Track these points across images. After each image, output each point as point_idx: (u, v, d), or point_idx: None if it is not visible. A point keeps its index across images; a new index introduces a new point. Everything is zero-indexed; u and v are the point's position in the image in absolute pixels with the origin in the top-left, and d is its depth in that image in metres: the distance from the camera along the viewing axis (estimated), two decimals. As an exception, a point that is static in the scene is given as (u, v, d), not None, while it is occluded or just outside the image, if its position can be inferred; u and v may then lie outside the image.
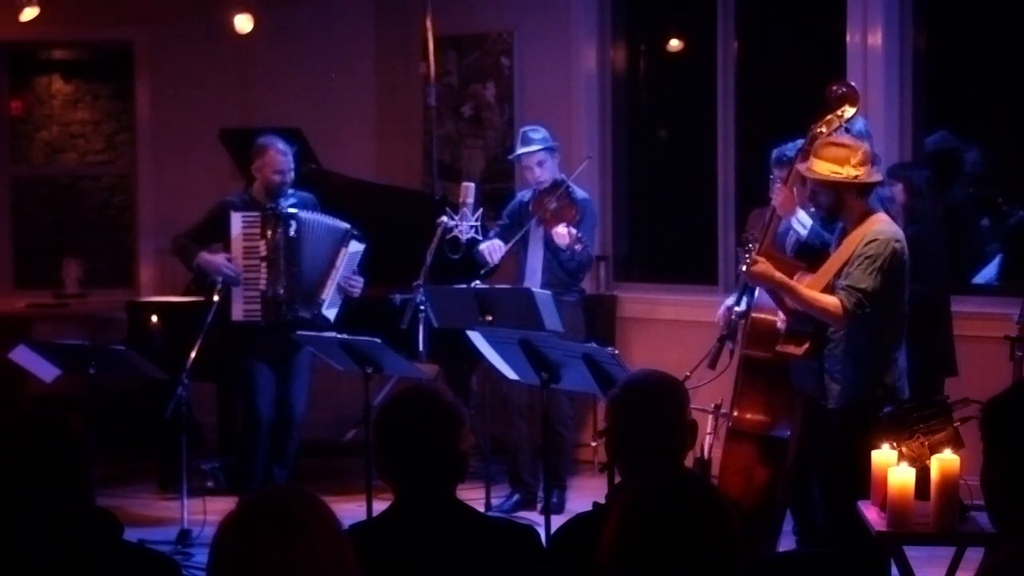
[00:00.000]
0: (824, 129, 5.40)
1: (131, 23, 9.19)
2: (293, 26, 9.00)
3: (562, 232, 6.67)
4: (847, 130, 5.54)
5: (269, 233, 6.68)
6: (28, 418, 2.98)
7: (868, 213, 5.00)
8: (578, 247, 6.67)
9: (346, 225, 6.81)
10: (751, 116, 7.95)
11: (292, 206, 6.77)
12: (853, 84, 5.62)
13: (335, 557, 2.27)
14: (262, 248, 6.68)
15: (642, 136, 8.66)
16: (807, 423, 5.27)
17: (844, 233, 5.04)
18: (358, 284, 6.83)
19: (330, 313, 6.76)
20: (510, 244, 6.90)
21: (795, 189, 5.54)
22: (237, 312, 6.65)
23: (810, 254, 5.46)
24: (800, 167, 5.20)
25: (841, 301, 4.86)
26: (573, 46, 8.32)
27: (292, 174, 6.76)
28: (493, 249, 6.88)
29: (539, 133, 7.02)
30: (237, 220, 6.70)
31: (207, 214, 6.91)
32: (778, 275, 5.00)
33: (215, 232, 6.81)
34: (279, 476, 6.84)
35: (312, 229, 6.76)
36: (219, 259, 6.66)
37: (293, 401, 6.82)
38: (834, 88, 5.53)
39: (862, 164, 4.95)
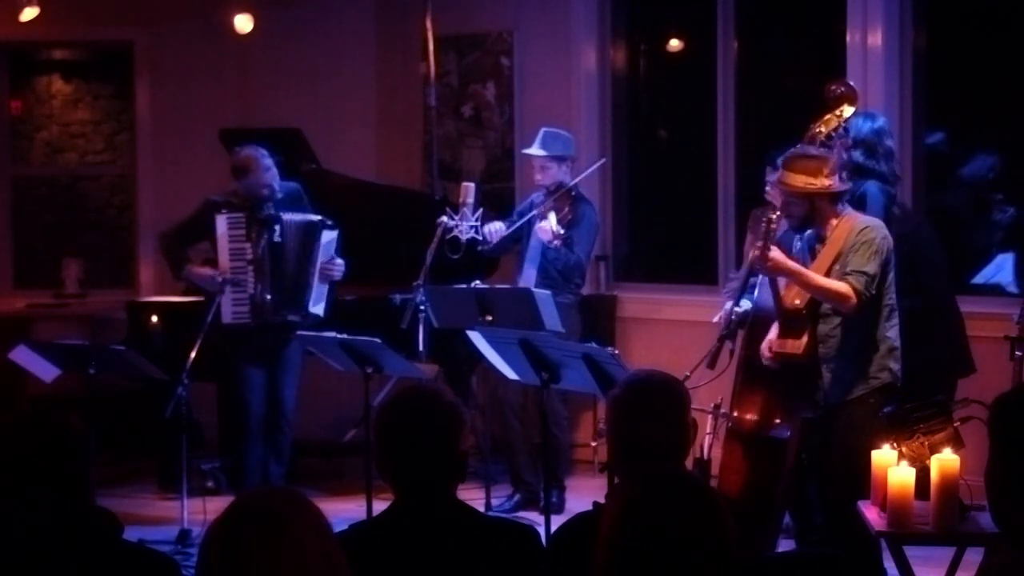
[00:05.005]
0: (823, 129, 5.44)
1: (131, 23, 9.18)
2: (293, 26, 9.00)
3: (545, 226, 6.69)
4: (846, 130, 5.56)
5: (255, 236, 6.69)
6: (28, 418, 2.98)
7: (839, 214, 5.15)
8: (556, 243, 6.66)
9: (315, 217, 6.81)
10: (751, 116, 7.95)
11: (279, 200, 6.77)
12: (852, 83, 5.63)
13: (323, 559, 2.27)
14: (248, 251, 6.70)
15: (642, 136, 8.66)
16: (803, 437, 5.27)
17: (822, 239, 5.16)
18: (337, 267, 6.81)
19: (318, 309, 6.76)
20: (510, 230, 6.93)
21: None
22: (226, 315, 6.67)
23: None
24: (772, 179, 5.28)
25: (851, 284, 4.97)
26: (573, 46, 8.32)
27: (277, 183, 6.76)
28: (492, 231, 6.89)
29: (559, 140, 6.97)
30: (222, 222, 6.70)
31: (193, 212, 6.94)
32: (791, 263, 5.10)
33: (200, 231, 6.83)
34: (275, 472, 6.86)
35: (294, 231, 6.77)
36: (206, 272, 6.71)
37: (283, 398, 6.85)
38: (832, 88, 5.55)
39: (833, 174, 5.11)
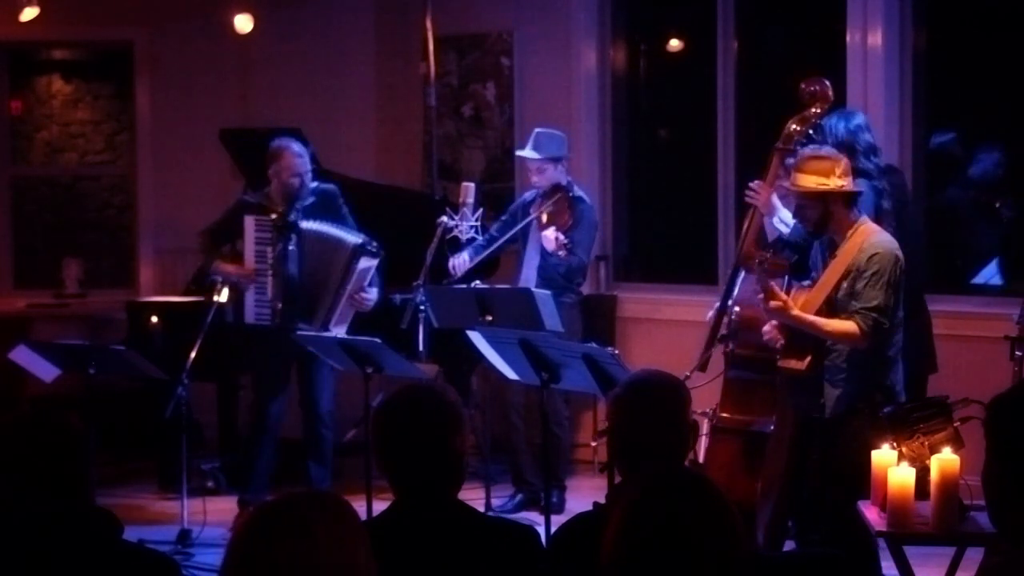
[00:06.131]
0: (797, 127, 5.47)
1: (131, 23, 9.18)
2: (293, 26, 9.00)
3: (549, 236, 6.68)
4: (819, 127, 5.57)
5: (275, 241, 6.71)
6: (28, 418, 2.98)
7: (853, 222, 5.05)
8: (561, 253, 6.65)
9: (356, 240, 6.72)
10: (751, 116, 7.95)
11: (311, 204, 6.77)
12: (826, 81, 5.64)
13: (349, 566, 2.26)
14: (269, 254, 6.72)
15: (642, 136, 8.66)
16: (800, 440, 5.26)
17: (833, 245, 5.08)
18: (370, 298, 6.76)
19: (338, 330, 6.68)
20: (480, 257, 6.91)
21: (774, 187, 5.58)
22: (250, 314, 6.71)
23: (792, 250, 5.50)
24: (785, 184, 5.24)
25: (858, 324, 4.91)
26: (573, 46, 8.32)
27: (309, 175, 6.77)
28: (457, 264, 6.87)
29: (553, 141, 6.95)
30: (250, 224, 6.73)
31: (226, 212, 7.00)
32: (794, 312, 5.00)
33: (232, 230, 6.85)
34: (316, 473, 6.87)
35: (313, 243, 6.72)
36: (231, 268, 6.74)
37: (316, 397, 6.84)
38: (804, 86, 5.57)
39: (846, 174, 5.02)
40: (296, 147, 6.75)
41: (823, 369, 5.05)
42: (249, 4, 8.44)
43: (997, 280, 7.35)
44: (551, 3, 8.37)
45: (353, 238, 6.74)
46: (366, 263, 6.71)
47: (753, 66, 8.04)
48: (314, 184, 6.81)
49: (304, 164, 6.73)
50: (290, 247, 6.68)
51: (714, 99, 7.96)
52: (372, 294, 6.76)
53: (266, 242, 6.71)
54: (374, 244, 6.74)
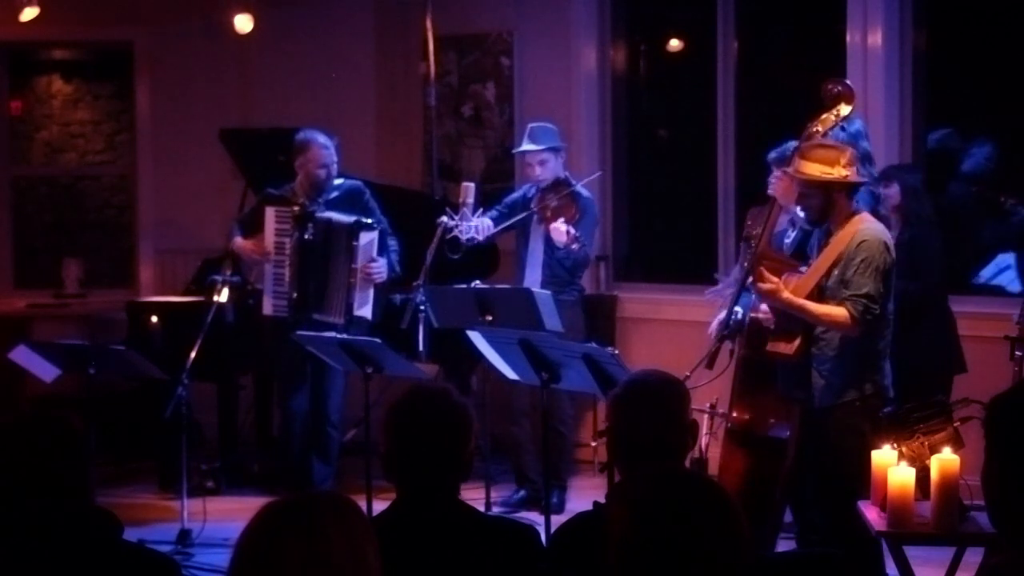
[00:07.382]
0: (820, 128, 5.42)
1: (131, 23, 9.19)
2: (293, 26, 9.00)
3: (560, 229, 6.67)
4: (843, 128, 5.55)
5: (293, 231, 6.75)
6: (28, 418, 2.98)
7: (853, 213, 5.06)
8: (575, 246, 6.66)
9: (349, 220, 6.80)
10: (751, 116, 7.95)
11: (335, 199, 6.80)
12: (849, 83, 5.63)
13: (359, 566, 2.26)
14: (287, 245, 6.77)
15: (642, 136, 8.66)
16: (801, 426, 5.27)
17: (829, 234, 5.07)
18: (376, 269, 6.80)
19: (364, 312, 6.76)
20: (499, 228, 6.89)
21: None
22: (267, 306, 6.80)
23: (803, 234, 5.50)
24: (788, 170, 5.22)
25: (848, 311, 4.90)
26: (573, 46, 8.31)
27: (335, 167, 6.85)
28: (480, 228, 6.84)
29: (548, 132, 6.98)
30: (271, 214, 6.83)
31: (254, 204, 7.12)
32: (785, 295, 5.00)
33: (256, 222, 6.94)
34: (319, 470, 6.92)
35: (325, 232, 6.77)
36: (249, 245, 6.86)
37: (325, 397, 6.90)
38: (829, 87, 5.54)
39: (850, 164, 5.02)
40: (322, 138, 6.86)
41: (811, 357, 5.05)
42: (249, 4, 8.44)
43: (1011, 280, 7.32)
44: (551, 3, 8.37)
45: (346, 219, 6.80)
46: (366, 237, 6.79)
47: (753, 66, 8.04)
48: (340, 180, 6.87)
49: (330, 155, 6.84)
50: (306, 236, 6.74)
51: (714, 99, 7.96)
52: (381, 262, 6.82)
53: (285, 233, 6.79)
54: (366, 219, 6.80)
